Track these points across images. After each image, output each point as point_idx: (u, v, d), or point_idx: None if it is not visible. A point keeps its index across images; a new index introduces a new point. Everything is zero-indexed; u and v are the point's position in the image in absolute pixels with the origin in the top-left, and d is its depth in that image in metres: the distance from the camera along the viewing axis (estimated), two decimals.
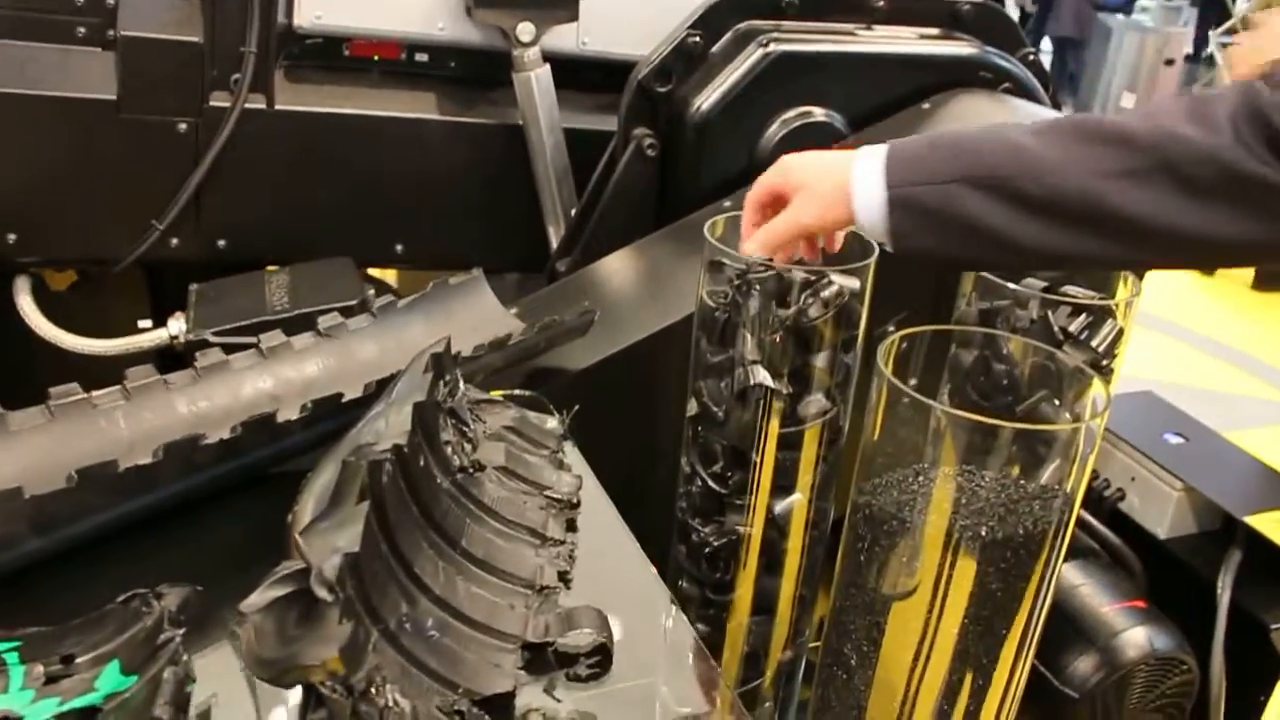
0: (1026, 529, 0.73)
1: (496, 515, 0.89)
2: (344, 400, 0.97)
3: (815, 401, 0.97)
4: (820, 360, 0.95)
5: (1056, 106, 1.62)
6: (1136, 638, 1.61)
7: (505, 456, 0.96)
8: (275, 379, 1.06)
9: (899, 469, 0.79)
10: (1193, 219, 0.81)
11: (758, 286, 0.94)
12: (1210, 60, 7.08)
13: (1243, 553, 1.73)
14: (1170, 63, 6.83)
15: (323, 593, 0.65)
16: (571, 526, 0.94)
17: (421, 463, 0.82)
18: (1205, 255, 0.86)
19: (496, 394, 1.09)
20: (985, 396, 0.95)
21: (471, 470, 0.90)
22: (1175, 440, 1.89)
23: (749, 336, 0.94)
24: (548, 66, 1.55)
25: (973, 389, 0.96)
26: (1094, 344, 0.97)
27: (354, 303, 1.39)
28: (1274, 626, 1.67)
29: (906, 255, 0.93)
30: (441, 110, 1.60)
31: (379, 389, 0.97)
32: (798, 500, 1.02)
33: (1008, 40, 1.60)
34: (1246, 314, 5.28)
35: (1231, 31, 6.26)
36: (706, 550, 1.04)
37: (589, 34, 1.61)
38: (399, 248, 1.64)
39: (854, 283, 0.96)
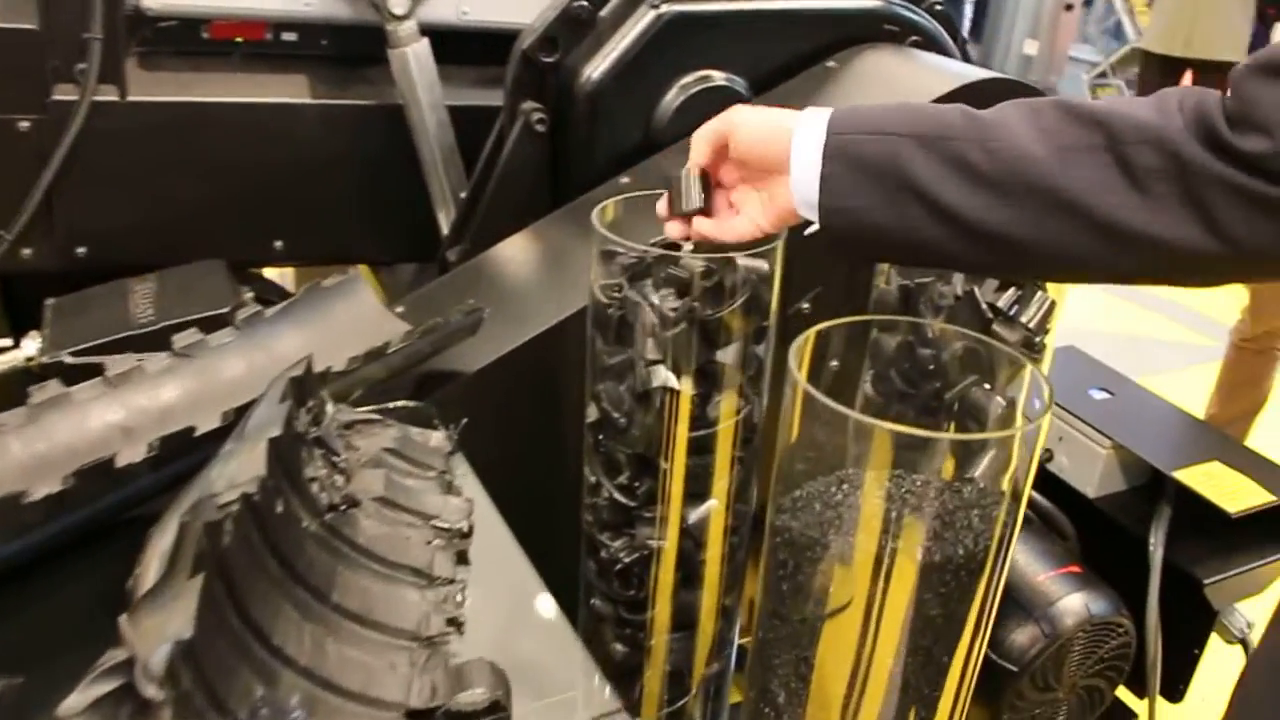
0: (967, 547, 0.66)
1: (374, 556, 0.79)
2: (197, 435, 0.86)
3: (726, 400, 0.89)
4: (729, 355, 0.87)
5: (965, 58, 1.55)
6: (1073, 605, 1.57)
7: (384, 485, 0.86)
8: (127, 409, 0.95)
9: (820, 478, 0.71)
10: (1136, 195, 0.75)
11: (654, 277, 0.85)
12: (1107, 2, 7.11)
13: (1172, 508, 1.69)
14: (1069, 8, 6.84)
15: (151, 690, 0.54)
16: (463, 559, 0.84)
17: (280, 508, 0.72)
18: (1154, 259, 0.78)
19: (374, 409, 0.99)
20: (911, 383, 0.88)
21: (344, 507, 0.80)
22: (1100, 396, 1.85)
23: (647, 334, 0.85)
24: (426, 40, 1.43)
25: (897, 375, 0.88)
26: (1024, 320, 0.90)
27: (226, 310, 1.28)
28: (1207, 581, 1.64)
29: (831, 218, 0.83)
30: (314, 93, 1.48)
31: (240, 417, 0.87)
32: (713, 507, 0.94)
33: None
34: None
35: None
36: (618, 567, 0.95)
37: (469, 3, 1.49)
38: (278, 244, 1.52)
39: (762, 265, 0.88)
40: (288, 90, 1.47)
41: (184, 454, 0.87)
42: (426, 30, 1.45)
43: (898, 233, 0.82)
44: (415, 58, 1.42)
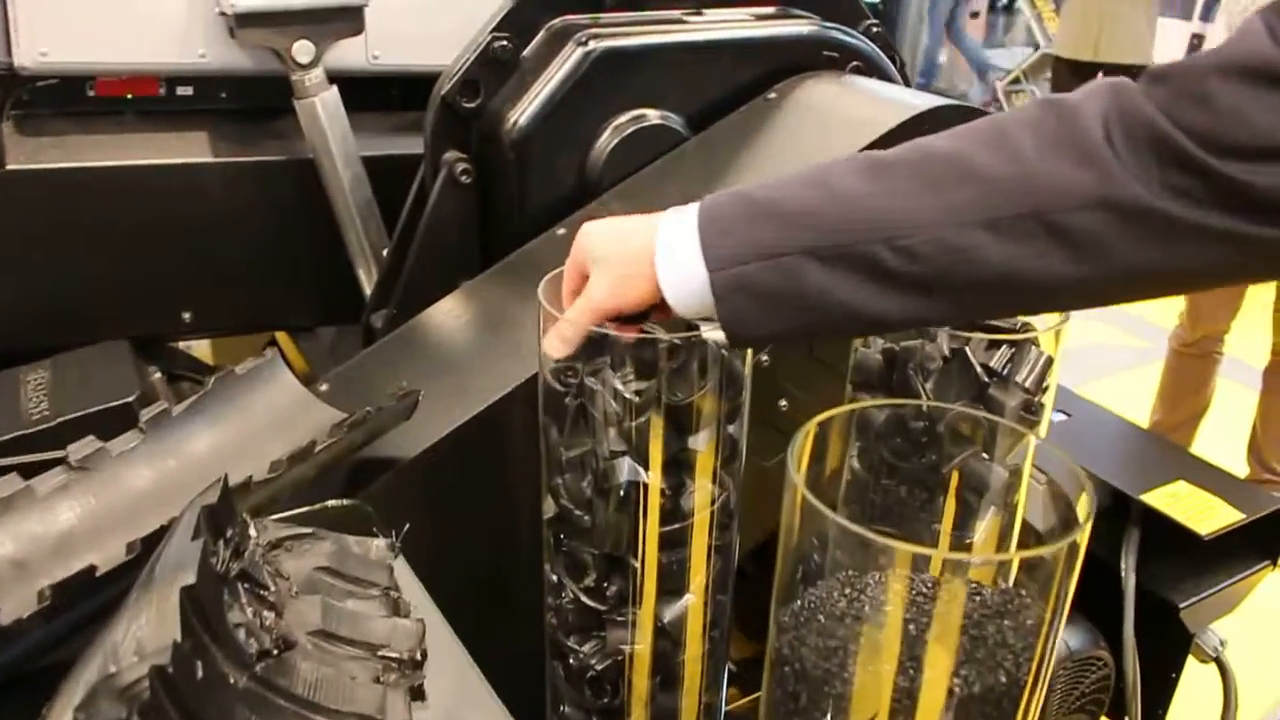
0: (1008, 670, 0.57)
1: (316, 708, 0.68)
2: (98, 575, 0.75)
3: (701, 489, 0.80)
4: (701, 440, 0.78)
5: (906, 80, 1.48)
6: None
7: (322, 614, 0.75)
8: (17, 541, 0.83)
9: (822, 583, 0.62)
10: (1085, 267, 0.64)
11: (613, 357, 0.76)
12: (1010, 8, 7.20)
13: (1141, 531, 1.65)
14: (975, 15, 6.92)
15: None
16: (417, 694, 0.74)
17: (200, 672, 0.61)
18: (1121, 292, 0.69)
19: (304, 512, 0.88)
20: (901, 457, 0.79)
21: (277, 651, 0.69)
22: (1058, 418, 1.80)
23: (609, 424, 0.75)
24: (334, 89, 1.33)
25: (887, 449, 0.80)
26: (1020, 379, 0.82)
27: (132, 399, 1.16)
28: (1182, 605, 1.59)
29: (748, 343, 0.77)
30: (216, 151, 1.37)
31: (148, 546, 0.76)
32: (690, 603, 0.84)
33: (848, 13, 1.44)
34: None
35: None
36: (589, 674, 0.86)
37: (380, 47, 1.39)
38: (186, 316, 1.40)
39: None
40: (186, 149, 1.36)
41: (83, 598, 0.75)
42: (337, 77, 1.35)
43: (822, 334, 0.81)
44: (324, 108, 1.31)
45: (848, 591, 0.59)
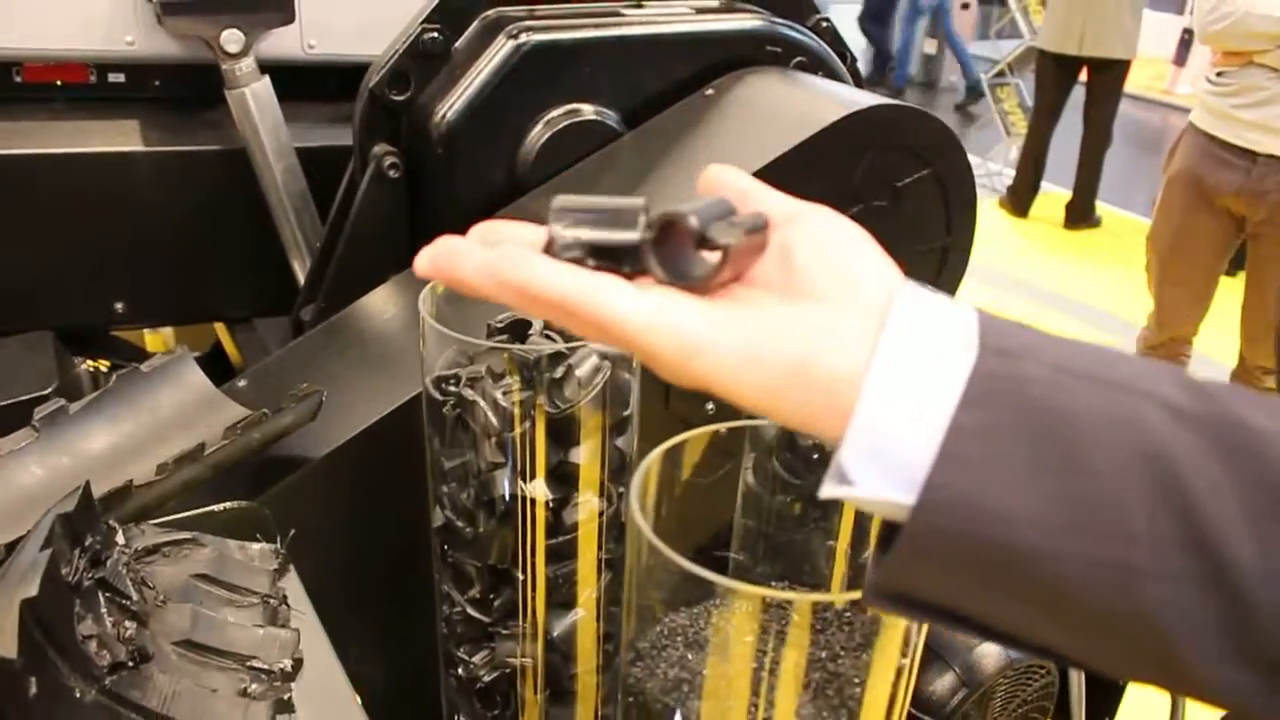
0: (850, 709, 0.55)
1: None
2: None
3: (585, 503, 0.78)
4: (583, 454, 0.76)
5: (855, 76, 1.46)
6: (992, 650, 1.50)
7: (191, 624, 0.73)
8: None
9: (677, 612, 0.60)
10: None
11: (492, 368, 0.74)
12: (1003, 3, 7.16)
13: None
14: (966, 6, 6.89)
15: None
16: (284, 707, 0.72)
17: (34, 689, 0.60)
18: None
19: (197, 514, 0.87)
20: (793, 473, 0.77)
21: (133, 663, 0.68)
22: None
23: (487, 435, 0.74)
24: (266, 79, 1.30)
25: (779, 464, 0.78)
26: None
27: (47, 391, 1.15)
28: None
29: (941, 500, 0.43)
30: (148, 140, 1.34)
31: (9, 552, 0.74)
32: (580, 617, 0.83)
33: (797, 8, 1.42)
34: (1059, 253, 5.36)
35: None
36: (478, 686, 0.84)
37: (315, 35, 1.36)
38: (119, 306, 1.38)
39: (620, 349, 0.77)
40: (118, 138, 1.33)
41: None
42: (271, 67, 1.32)
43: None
44: (255, 98, 1.29)
45: (690, 625, 0.57)
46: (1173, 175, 2.72)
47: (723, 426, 0.60)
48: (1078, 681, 1.61)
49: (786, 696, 0.55)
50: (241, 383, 1.14)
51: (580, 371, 0.73)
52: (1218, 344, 3.16)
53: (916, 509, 0.42)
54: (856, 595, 0.50)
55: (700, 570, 0.52)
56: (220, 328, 1.56)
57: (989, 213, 5.69)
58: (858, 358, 0.44)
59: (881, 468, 0.43)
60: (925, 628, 0.59)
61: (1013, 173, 5.63)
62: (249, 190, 1.34)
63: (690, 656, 0.58)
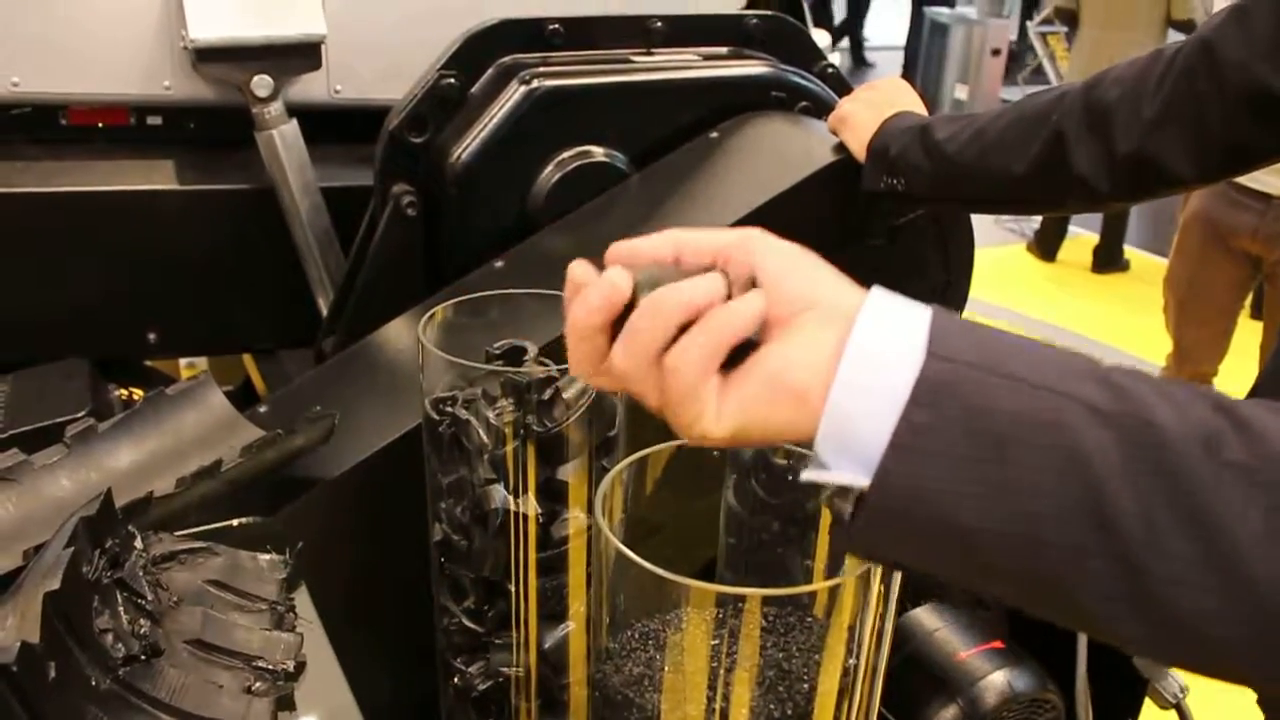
0: (798, 705, 0.59)
1: (176, 712, 0.71)
2: None
3: (574, 519, 0.82)
4: (570, 471, 0.80)
5: None
6: (996, 683, 1.51)
7: (201, 625, 0.78)
8: None
9: (643, 625, 0.64)
10: None
11: (486, 390, 0.79)
12: (1030, 50, 7.22)
13: None
14: (996, 53, 6.94)
15: None
16: (286, 704, 0.77)
17: (53, 673, 0.65)
18: None
19: (213, 528, 0.92)
20: (771, 492, 0.81)
21: (145, 657, 0.73)
22: None
23: (480, 452, 0.78)
24: (294, 122, 1.37)
25: (757, 484, 0.82)
26: None
27: (80, 415, 1.21)
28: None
29: (894, 490, 0.51)
30: (183, 179, 1.41)
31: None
32: (571, 629, 0.87)
33: (802, 54, 1.48)
34: (1087, 297, 5.36)
35: (1048, 21, 6.36)
36: (474, 695, 0.88)
37: (342, 81, 1.44)
38: (152, 337, 1.45)
39: None
40: (155, 177, 1.41)
41: None
42: (299, 110, 1.40)
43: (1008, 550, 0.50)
44: (283, 139, 1.36)
45: (660, 630, 0.62)
46: (1188, 218, 2.74)
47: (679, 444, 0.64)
48: (1085, 714, 1.62)
49: (741, 690, 0.59)
50: (263, 409, 1.19)
51: (567, 394, 0.78)
52: (1240, 383, 3.15)
53: (871, 489, 0.51)
54: (799, 590, 0.55)
55: (657, 569, 0.56)
56: (248, 360, 1.63)
57: (1018, 257, 5.70)
58: (824, 367, 0.52)
59: (849, 458, 0.51)
60: (874, 631, 0.63)
61: (1040, 218, 5.65)
62: (276, 227, 1.41)
63: (656, 656, 0.62)
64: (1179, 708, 1.78)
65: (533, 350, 0.86)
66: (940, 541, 0.51)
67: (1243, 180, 2.56)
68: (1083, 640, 1.62)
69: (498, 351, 0.86)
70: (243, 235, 1.43)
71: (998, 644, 1.59)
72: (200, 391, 1.08)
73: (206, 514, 0.96)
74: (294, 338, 1.50)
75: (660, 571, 0.56)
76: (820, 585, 0.56)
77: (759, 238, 0.59)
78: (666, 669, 0.61)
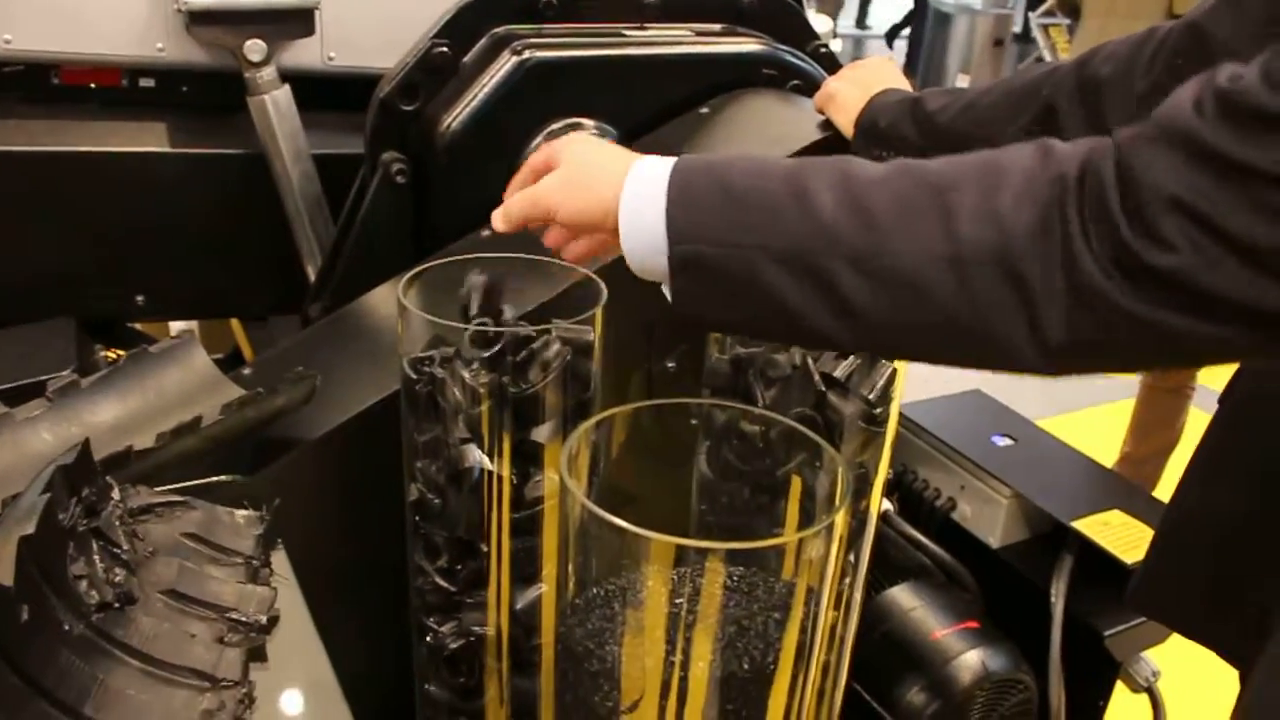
0: (754, 658, 0.60)
1: (148, 659, 0.73)
2: None
3: (548, 480, 0.83)
4: (544, 432, 0.81)
5: None
6: (970, 662, 1.53)
7: (177, 576, 0.79)
8: None
9: (607, 581, 0.65)
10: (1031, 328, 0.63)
11: (464, 350, 0.80)
12: (1032, 40, 7.19)
13: (1074, 558, 1.66)
14: (1000, 43, 6.91)
15: None
16: (258, 655, 0.78)
17: (25, 615, 0.66)
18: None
19: (191, 485, 0.93)
20: (743, 459, 0.83)
21: (119, 604, 0.74)
22: (1004, 443, 1.81)
23: (455, 412, 0.79)
24: (287, 87, 1.38)
25: (729, 452, 0.83)
26: (864, 390, 0.85)
27: (66, 373, 1.22)
28: (1107, 633, 1.61)
29: (687, 319, 0.75)
30: (175, 142, 1.42)
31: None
32: (543, 591, 0.88)
33: (796, 33, 1.48)
34: None
35: (1050, 13, 6.34)
36: (445, 653, 0.89)
37: (335, 48, 1.44)
38: (140, 299, 1.45)
39: (584, 334, 0.83)
40: (147, 139, 1.41)
41: None
42: (293, 76, 1.40)
43: (765, 335, 0.81)
44: (275, 105, 1.36)
45: (620, 582, 0.63)
46: None
47: (647, 404, 0.66)
48: (1058, 702, 1.64)
49: (702, 646, 0.60)
50: (247, 371, 1.20)
51: (543, 355, 0.79)
52: (1227, 371, 3.16)
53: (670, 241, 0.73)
54: (756, 544, 0.56)
55: (620, 522, 0.57)
56: (237, 327, 1.64)
57: None
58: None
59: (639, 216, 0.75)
60: (834, 592, 0.64)
61: None
62: (266, 193, 1.41)
63: (618, 611, 0.64)
64: (1150, 691, 1.80)
65: (511, 313, 0.87)
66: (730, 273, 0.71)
67: None
68: (1057, 622, 1.64)
69: (477, 313, 0.87)
70: (233, 200, 1.43)
71: (973, 624, 1.60)
72: (184, 350, 1.09)
73: (185, 470, 0.97)
74: (282, 304, 1.50)
75: (623, 524, 0.57)
76: (776, 540, 0.57)
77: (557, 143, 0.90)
78: (627, 623, 0.62)
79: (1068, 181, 0.63)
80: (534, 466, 0.83)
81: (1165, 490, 2.49)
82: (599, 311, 0.83)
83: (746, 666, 0.60)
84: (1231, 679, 2.20)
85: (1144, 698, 1.82)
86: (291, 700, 0.76)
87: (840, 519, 0.61)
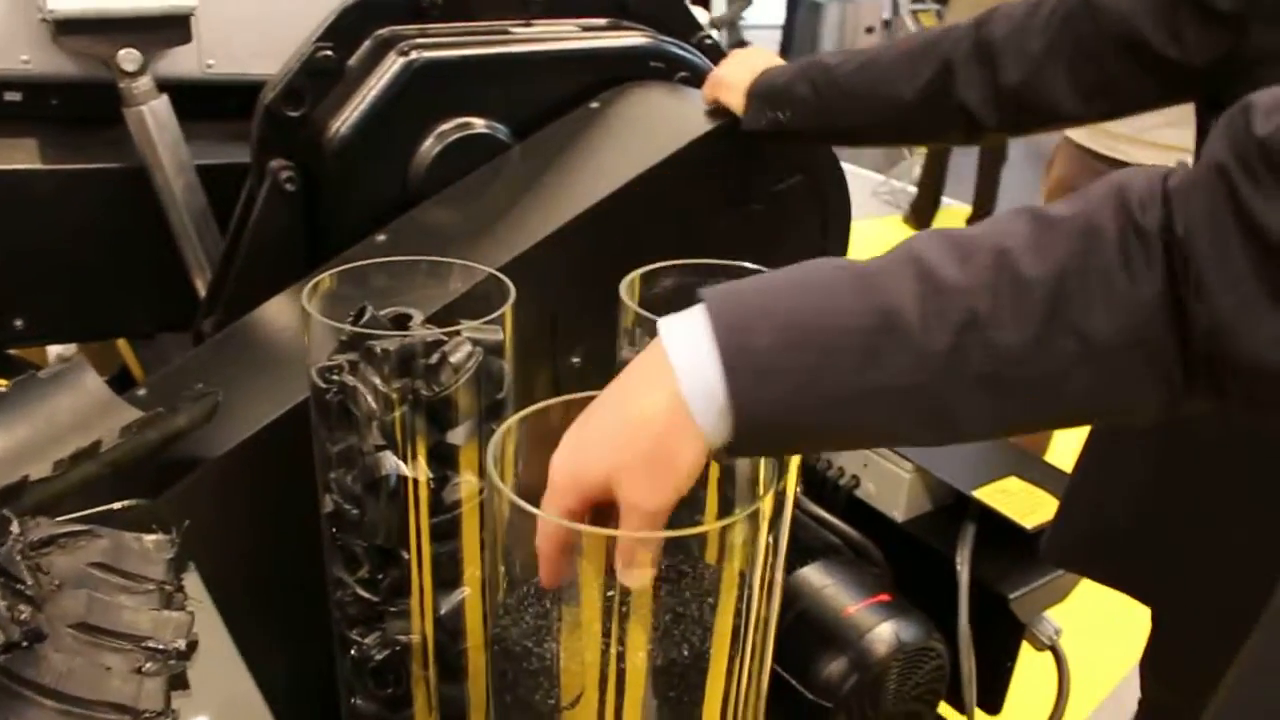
0: (693, 645, 0.61)
1: (63, 697, 0.70)
2: None
3: (466, 483, 0.83)
4: (460, 435, 0.81)
5: None
6: (884, 634, 1.56)
7: (86, 608, 0.77)
8: None
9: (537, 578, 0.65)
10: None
11: (373, 356, 0.78)
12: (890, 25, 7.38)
13: (976, 526, 1.71)
14: (871, 30, 7.08)
15: None
16: (178, 684, 0.76)
17: None
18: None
19: (94, 513, 0.90)
20: None
21: (26, 643, 0.71)
22: None
23: (368, 419, 0.78)
24: (165, 97, 1.33)
25: None
26: None
27: None
28: (1011, 596, 1.66)
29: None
30: (47, 158, 1.36)
31: None
32: (466, 595, 0.87)
33: (681, 25, 1.49)
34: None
35: None
36: (371, 665, 0.88)
37: (214, 55, 1.40)
38: (18, 323, 1.39)
39: (493, 335, 0.82)
40: (16, 156, 1.35)
41: None
42: (170, 85, 1.36)
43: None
44: (153, 115, 1.32)
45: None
46: (1051, 188, 2.84)
47: (578, 397, 0.66)
48: (968, 666, 1.69)
49: (637, 636, 0.60)
50: (141, 391, 1.17)
51: (454, 357, 0.78)
52: None
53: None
54: (687, 531, 0.56)
55: (549, 515, 0.57)
56: (124, 346, 1.58)
57: (895, 228, 5.85)
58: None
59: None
60: (764, 579, 0.65)
61: (915, 189, 5.80)
62: (149, 207, 1.37)
63: (552, 608, 0.64)
64: (1054, 648, 1.86)
65: (418, 317, 0.86)
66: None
67: (1100, 149, 2.66)
68: (964, 590, 1.69)
69: (384, 319, 0.85)
70: (113, 216, 1.39)
71: (884, 597, 1.64)
72: (73, 374, 1.05)
73: (86, 498, 0.94)
74: (171, 321, 1.46)
75: (552, 518, 0.57)
76: (710, 526, 0.58)
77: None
78: (563, 619, 0.62)
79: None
80: (450, 469, 0.82)
81: (1054, 455, 2.59)
82: (509, 310, 0.83)
83: (686, 653, 0.61)
84: (1122, 631, 2.29)
85: (1048, 655, 1.89)
86: None
87: (767, 503, 0.62)
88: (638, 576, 0.59)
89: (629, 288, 0.86)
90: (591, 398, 0.65)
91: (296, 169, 1.26)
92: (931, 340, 0.56)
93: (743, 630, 0.64)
